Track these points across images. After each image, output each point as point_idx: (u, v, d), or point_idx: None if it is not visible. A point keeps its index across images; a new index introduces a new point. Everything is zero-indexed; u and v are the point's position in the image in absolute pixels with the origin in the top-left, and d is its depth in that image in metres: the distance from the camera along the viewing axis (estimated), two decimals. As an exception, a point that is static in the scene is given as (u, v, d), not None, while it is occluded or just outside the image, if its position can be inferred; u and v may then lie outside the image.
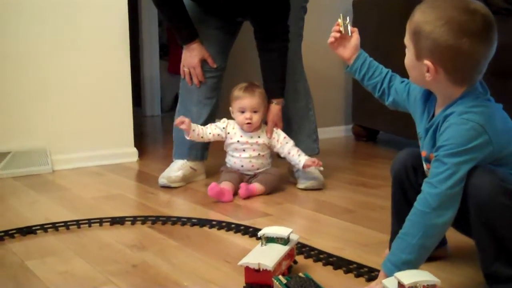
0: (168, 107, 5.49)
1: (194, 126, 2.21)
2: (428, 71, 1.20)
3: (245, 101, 2.17)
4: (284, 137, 2.23)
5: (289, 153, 2.21)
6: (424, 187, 1.19)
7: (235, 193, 2.14)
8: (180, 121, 2.17)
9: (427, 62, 1.19)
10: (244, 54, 2.32)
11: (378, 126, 3.30)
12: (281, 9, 2.22)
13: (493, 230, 1.16)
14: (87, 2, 2.74)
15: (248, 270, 1.26)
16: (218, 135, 2.24)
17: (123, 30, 2.84)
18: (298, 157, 2.18)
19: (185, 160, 2.37)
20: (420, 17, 1.21)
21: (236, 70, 3.29)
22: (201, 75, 2.33)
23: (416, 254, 1.18)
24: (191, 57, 2.31)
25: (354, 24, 3.47)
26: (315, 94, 2.50)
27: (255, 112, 2.18)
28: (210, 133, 2.23)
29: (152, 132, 4.38)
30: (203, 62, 2.32)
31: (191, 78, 2.35)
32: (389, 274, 1.18)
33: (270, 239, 1.35)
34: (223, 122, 2.25)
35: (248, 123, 2.17)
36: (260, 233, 1.36)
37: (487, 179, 1.15)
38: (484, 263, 1.21)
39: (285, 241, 1.34)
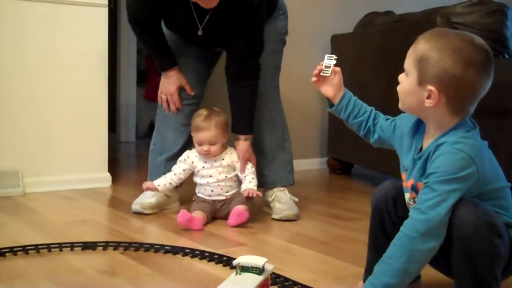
0: (143, 133, 5.47)
1: (158, 181, 2.23)
2: (429, 97, 1.23)
3: (201, 134, 2.17)
4: (248, 168, 2.24)
5: (245, 176, 2.21)
6: (412, 212, 1.20)
7: (207, 223, 2.12)
8: (145, 187, 2.24)
9: (431, 87, 1.22)
10: (222, 82, 2.33)
11: (352, 159, 3.33)
12: (255, 46, 2.22)
13: (475, 267, 1.17)
14: (67, 27, 2.73)
15: None
16: (185, 170, 2.24)
17: (102, 55, 2.84)
18: (247, 183, 2.19)
19: (160, 187, 2.35)
20: (426, 45, 1.25)
21: (213, 98, 3.30)
22: (178, 102, 2.33)
23: (398, 278, 1.19)
24: (169, 84, 2.32)
25: (331, 58, 3.51)
26: (291, 126, 2.51)
27: (212, 144, 2.18)
28: (178, 173, 2.24)
29: (126, 158, 4.35)
30: (180, 89, 2.32)
31: (168, 105, 2.34)
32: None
33: (244, 268, 1.34)
34: (185, 158, 2.25)
35: (206, 154, 2.19)
36: (235, 262, 1.35)
37: (472, 211, 1.17)
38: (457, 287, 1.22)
39: (259, 270, 1.33)
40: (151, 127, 5.38)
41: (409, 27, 2.83)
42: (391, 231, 1.30)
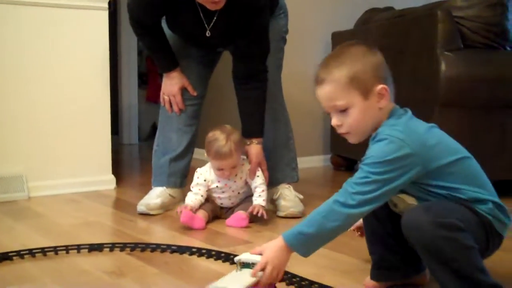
0: (146, 135, 5.49)
1: (191, 207, 2.09)
2: (380, 98, 1.29)
3: (224, 162, 2.10)
4: (258, 176, 2.19)
5: (255, 188, 2.17)
6: (345, 184, 1.26)
7: (208, 221, 2.12)
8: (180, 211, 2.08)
9: (379, 86, 1.29)
10: (224, 82, 2.34)
11: (356, 155, 3.33)
12: (261, 47, 2.21)
13: (448, 265, 1.18)
14: (68, 31, 2.74)
15: None
16: (205, 188, 2.17)
17: (103, 59, 2.84)
18: (257, 197, 2.15)
19: (164, 188, 2.35)
20: (342, 69, 1.29)
21: (215, 97, 3.31)
22: (181, 103, 2.33)
23: (314, 229, 1.25)
24: (171, 85, 2.32)
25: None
26: (294, 123, 2.51)
27: (233, 167, 2.14)
28: (201, 196, 2.15)
29: (129, 160, 4.35)
30: (183, 90, 2.32)
31: (171, 106, 2.35)
32: (283, 236, 1.27)
33: (245, 265, 1.33)
34: (199, 177, 2.17)
35: (226, 176, 2.15)
36: (236, 259, 1.35)
37: (424, 219, 1.18)
38: None
39: None
40: (154, 128, 5.39)
41: (410, 22, 2.83)
42: (385, 221, 1.38)
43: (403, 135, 1.24)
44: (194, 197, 2.13)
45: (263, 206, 2.11)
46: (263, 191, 2.16)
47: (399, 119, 1.30)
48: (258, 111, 2.23)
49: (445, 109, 2.55)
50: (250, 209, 2.10)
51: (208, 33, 2.16)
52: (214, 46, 2.34)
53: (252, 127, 2.23)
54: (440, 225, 1.16)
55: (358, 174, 1.25)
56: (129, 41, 4.93)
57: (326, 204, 1.26)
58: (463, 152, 1.31)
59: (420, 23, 2.74)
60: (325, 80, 1.31)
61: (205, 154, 2.14)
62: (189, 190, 2.18)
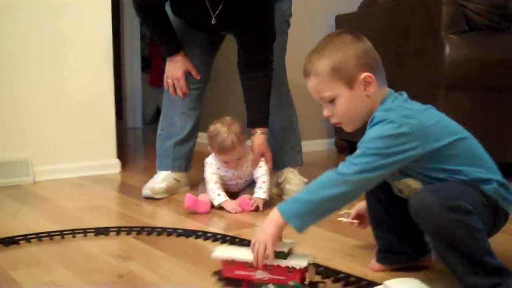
0: (150, 119, 5.49)
1: (220, 199, 2.10)
2: (366, 86, 1.29)
3: (228, 156, 2.10)
4: (260, 167, 2.17)
5: (257, 178, 2.16)
6: (346, 160, 1.25)
7: (214, 205, 2.12)
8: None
9: (363, 75, 1.29)
10: (228, 67, 2.33)
11: (360, 139, 3.33)
12: (266, 35, 2.19)
13: (457, 248, 1.18)
14: (70, 17, 2.73)
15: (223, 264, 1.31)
16: (218, 169, 2.17)
17: (107, 43, 2.84)
18: (257, 189, 2.14)
19: (169, 172, 2.36)
20: (324, 59, 1.31)
21: (219, 81, 3.30)
22: (185, 87, 2.32)
23: (308, 196, 1.25)
24: (175, 69, 2.31)
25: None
26: (298, 107, 2.50)
27: (238, 159, 2.14)
28: (216, 179, 2.15)
29: (133, 144, 4.37)
30: (186, 73, 2.32)
31: (175, 90, 2.34)
32: (277, 206, 1.27)
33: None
34: (211, 167, 2.16)
35: (233, 167, 2.15)
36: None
37: (431, 202, 1.18)
38: (460, 279, 1.22)
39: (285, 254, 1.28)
40: (158, 112, 5.38)
41: (414, 5, 2.81)
42: (389, 205, 1.38)
43: (400, 116, 1.24)
44: (217, 189, 2.12)
45: (262, 199, 2.11)
46: (264, 182, 2.14)
47: (393, 102, 1.31)
48: (263, 101, 2.22)
49: (450, 92, 2.55)
50: (249, 204, 2.09)
51: (213, 21, 2.15)
52: (218, 31, 2.33)
53: (256, 117, 2.21)
54: (448, 208, 1.16)
55: (356, 152, 1.25)
56: (132, 25, 4.92)
57: (324, 174, 1.26)
58: (462, 132, 1.31)
59: (424, 5, 2.72)
60: (310, 73, 1.34)
61: (209, 148, 2.15)
62: (194, 174, 2.19)
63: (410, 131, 1.22)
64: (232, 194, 2.21)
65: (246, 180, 2.21)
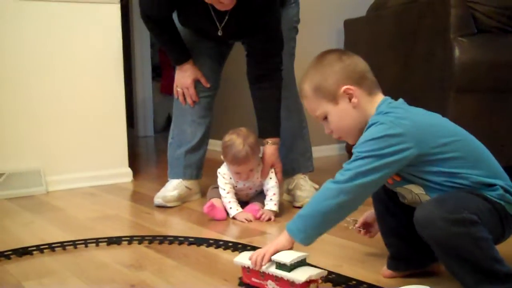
0: (161, 127, 5.50)
1: (235, 210, 2.11)
2: (350, 98, 1.32)
3: (241, 168, 2.10)
4: (271, 178, 2.17)
5: (267, 190, 2.15)
6: (343, 167, 1.27)
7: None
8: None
9: (342, 89, 1.32)
10: (237, 72, 2.34)
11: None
12: (274, 43, 2.19)
13: (465, 260, 1.18)
14: (81, 26, 2.75)
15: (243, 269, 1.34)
16: (231, 180, 2.18)
17: (117, 52, 2.86)
18: (268, 200, 2.13)
19: (180, 180, 2.37)
20: (306, 82, 1.38)
21: (228, 88, 3.31)
22: (195, 95, 2.33)
23: (308, 210, 1.27)
24: (184, 77, 2.32)
25: (345, 43, 3.51)
26: (308, 113, 2.50)
27: (250, 171, 2.13)
28: (229, 189, 2.16)
29: (145, 152, 4.38)
30: (196, 82, 2.33)
31: (184, 99, 2.35)
32: (286, 225, 1.31)
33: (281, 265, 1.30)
34: (225, 177, 2.17)
35: (244, 179, 2.15)
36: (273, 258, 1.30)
37: (436, 216, 1.17)
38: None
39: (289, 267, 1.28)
40: (169, 120, 5.40)
41: (422, 8, 2.81)
42: (395, 210, 1.40)
43: (393, 117, 1.26)
44: (231, 198, 2.14)
45: (273, 211, 2.11)
46: (274, 194, 2.14)
47: (387, 107, 1.31)
48: (274, 111, 2.21)
49: (459, 94, 2.54)
50: (259, 214, 2.08)
51: (220, 33, 2.16)
52: (227, 40, 2.33)
53: (267, 127, 2.21)
54: (453, 222, 1.16)
55: (351, 158, 1.27)
56: (142, 33, 4.94)
57: (323, 185, 1.28)
58: (461, 134, 1.31)
59: (433, 8, 2.72)
60: (301, 96, 1.42)
61: (222, 157, 2.15)
62: (205, 182, 2.19)
63: (402, 131, 1.23)
64: (241, 203, 2.21)
65: (256, 190, 2.21)
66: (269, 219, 2.07)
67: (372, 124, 1.27)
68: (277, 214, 2.12)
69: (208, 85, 2.34)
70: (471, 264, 1.17)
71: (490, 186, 1.25)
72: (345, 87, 1.32)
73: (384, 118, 1.27)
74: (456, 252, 1.17)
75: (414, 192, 1.31)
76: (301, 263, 1.29)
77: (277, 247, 1.30)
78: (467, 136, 1.31)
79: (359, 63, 1.36)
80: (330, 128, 1.38)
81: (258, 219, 2.08)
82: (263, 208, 2.11)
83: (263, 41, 2.17)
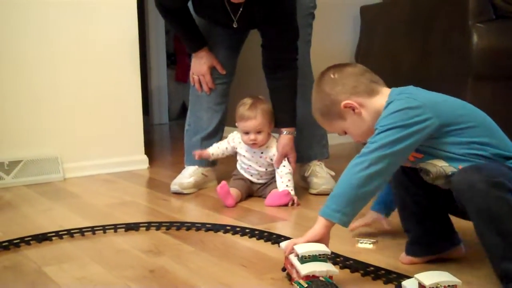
0: (176, 115, 5.52)
1: (211, 150, 2.26)
2: (353, 109, 1.36)
3: (248, 123, 2.13)
4: (284, 166, 2.16)
5: (281, 177, 2.14)
6: (366, 144, 1.29)
7: (240, 200, 2.15)
8: (198, 155, 2.26)
9: (344, 104, 1.36)
10: (253, 59, 2.33)
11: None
12: (290, 33, 2.17)
13: (498, 227, 1.17)
14: (98, 13, 2.76)
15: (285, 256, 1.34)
16: (230, 144, 2.25)
17: (133, 40, 2.86)
18: (283, 186, 2.13)
19: (197, 166, 2.37)
20: (313, 111, 1.45)
21: (244, 75, 3.31)
22: (211, 82, 2.33)
23: (341, 188, 1.28)
24: (200, 64, 2.32)
25: (361, 29, 3.49)
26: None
27: (259, 132, 2.15)
28: (225, 148, 2.26)
29: (160, 140, 4.39)
30: (212, 69, 2.32)
31: (200, 86, 2.35)
32: (319, 212, 1.31)
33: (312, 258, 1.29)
34: (230, 138, 2.26)
35: (253, 144, 2.16)
36: (299, 253, 1.28)
37: (476, 179, 1.17)
38: (493, 263, 1.21)
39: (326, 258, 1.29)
40: (183, 108, 5.42)
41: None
42: (417, 195, 1.40)
43: (408, 94, 1.30)
44: (221, 146, 2.27)
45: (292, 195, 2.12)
46: (289, 180, 2.14)
47: (398, 91, 1.35)
48: (289, 101, 2.21)
49: (478, 81, 2.52)
50: (295, 201, 2.09)
51: (235, 24, 2.16)
52: (242, 29, 2.33)
53: (283, 117, 2.20)
54: (492, 184, 1.15)
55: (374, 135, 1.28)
56: (157, 21, 4.94)
57: (348, 163, 1.29)
58: (472, 107, 1.33)
59: (450, -7, 2.70)
60: (316, 120, 1.48)
61: (236, 124, 2.19)
62: (221, 169, 2.21)
63: (421, 104, 1.26)
64: (259, 188, 2.22)
65: (266, 169, 2.21)
66: (298, 204, 2.09)
67: (390, 103, 1.30)
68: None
69: (224, 72, 2.34)
70: (504, 234, 1.17)
71: (508, 159, 1.26)
72: (343, 103, 1.36)
73: (399, 96, 1.31)
74: (493, 218, 1.16)
75: (438, 165, 1.30)
76: (316, 258, 1.27)
77: (311, 235, 1.31)
78: (477, 110, 1.33)
79: (349, 74, 1.39)
80: (353, 138, 1.44)
81: (285, 204, 2.08)
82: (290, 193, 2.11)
83: (278, 31, 2.15)
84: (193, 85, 2.39)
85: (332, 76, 1.40)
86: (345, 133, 1.43)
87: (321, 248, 1.28)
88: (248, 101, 2.17)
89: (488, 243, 1.20)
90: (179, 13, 2.23)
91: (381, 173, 1.25)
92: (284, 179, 2.14)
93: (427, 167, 1.32)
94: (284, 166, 2.16)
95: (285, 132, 2.18)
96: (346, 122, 1.39)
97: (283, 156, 2.17)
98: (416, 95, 1.29)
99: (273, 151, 2.18)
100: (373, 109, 1.36)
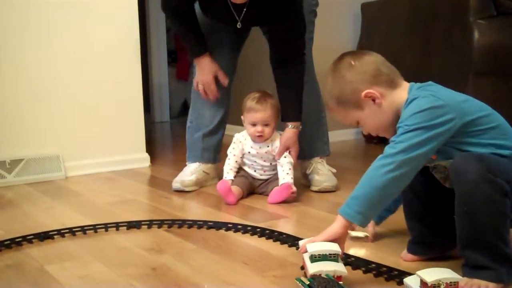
0: (177, 113, 5.52)
1: (228, 177, 2.19)
2: (373, 100, 1.33)
3: (257, 115, 2.15)
4: (285, 157, 2.17)
5: (282, 166, 2.16)
6: (390, 142, 1.27)
7: (242, 197, 2.15)
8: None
9: (363, 94, 1.33)
10: (255, 55, 2.33)
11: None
12: (297, 26, 2.17)
13: (473, 219, 1.18)
14: (99, 12, 2.76)
15: None
16: (240, 149, 2.24)
17: (134, 38, 2.86)
18: (285, 175, 2.13)
19: (198, 163, 2.37)
20: (328, 98, 1.41)
21: (247, 71, 3.31)
22: (216, 91, 2.30)
23: (365, 190, 1.26)
24: (204, 74, 2.29)
25: (362, 27, 3.49)
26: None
27: (266, 125, 2.16)
28: (236, 156, 2.23)
29: (162, 138, 4.40)
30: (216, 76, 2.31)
31: (206, 93, 2.33)
32: (339, 210, 1.30)
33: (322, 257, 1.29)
34: (235, 142, 2.25)
35: (259, 136, 2.17)
36: (309, 252, 1.29)
37: (474, 167, 1.17)
38: (460, 244, 1.24)
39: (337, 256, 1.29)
40: (185, 106, 5.43)
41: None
42: (424, 197, 1.39)
43: (431, 92, 1.28)
44: (231, 164, 2.22)
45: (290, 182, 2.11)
46: (290, 169, 2.14)
47: (420, 86, 1.33)
48: (297, 95, 2.21)
49: (479, 78, 2.52)
50: (292, 191, 2.09)
51: (239, 25, 2.15)
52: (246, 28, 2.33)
53: (289, 111, 2.20)
54: (485, 180, 1.16)
55: (397, 132, 1.26)
56: (158, 19, 4.94)
57: (372, 164, 1.27)
58: (490, 108, 1.32)
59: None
60: (328, 109, 1.45)
61: (242, 117, 2.20)
62: (223, 167, 2.21)
63: (445, 103, 1.24)
64: (261, 184, 2.22)
65: (271, 164, 2.21)
66: (293, 192, 2.09)
67: (414, 99, 1.27)
68: (295, 199, 2.12)
69: (227, 81, 2.31)
70: (479, 228, 1.18)
71: None
72: (364, 92, 1.33)
73: (423, 93, 1.28)
74: (473, 210, 1.18)
75: None
76: (326, 257, 1.27)
77: (329, 234, 1.30)
78: (494, 111, 1.32)
79: (370, 62, 1.36)
80: (366, 130, 1.41)
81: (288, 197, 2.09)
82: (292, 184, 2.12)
83: (286, 28, 2.14)
84: (197, 91, 2.37)
85: (352, 62, 1.36)
86: (357, 123, 1.40)
87: (332, 247, 1.27)
88: (256, 94, 2.19)
89: (461, 227, 1.22)
90: (184, 15, 2.22)
91: (407, 175, 1.24)
92: (285, 168, 2.15)
93: (443, 163, 1.32)
94: (285, 157, 2.17)
95: (290, 126, 2.18)
96: (362, 113, 1.36)
97: (285, 149, 2.18)
98: (439, 94, 1.27)
99: (276, 144, 2.19)
100: (393, 102, 1.34)
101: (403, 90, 1.34)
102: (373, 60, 1.37)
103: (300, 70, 2.20)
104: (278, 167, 2.17)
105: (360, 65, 1.35)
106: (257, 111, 2.15)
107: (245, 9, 2.10)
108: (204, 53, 2.27)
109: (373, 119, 1.36)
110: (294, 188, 2.10)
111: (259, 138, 2.18)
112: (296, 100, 2.20)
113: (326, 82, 1.42)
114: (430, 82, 1.35)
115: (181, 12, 2.21)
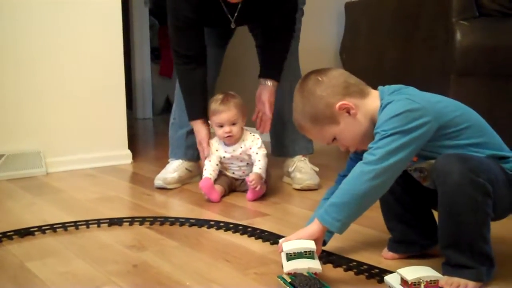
0: (160, 110, 5.50)
1: (209, 168, 2.17)
2: (347, 111, 1.32)
3: (222, 115, 2.13)
4: (259, 147, 2.16)
5: (255, 159, 2.15)
6: (368, 149, 1.25)
7: (224, 195, 2.15)
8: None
9: (337, 106, 1.31)
10: (240, 58, 2.32)
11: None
12: (288, 28, 2.22)
13: (456, 220, 1.20)
14: (82, 8, 2.74)
15: None
16: (217, 157, 2.20)
17: (117, 34, 2.85)
18: (256, 168, 2.12)
19: (181, 161, 2.37)
20: (300, 116, 1.39)
21: (231, 73, 3.31)
22: (207, 153, 2.21)
23: (344, 198, 1.25)
24: (198, 139, 2.23)
25: (346, 26, 3.49)
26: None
27: (233, 124, 2.14)
28: (216, 165, 2.19)
29: (144, 134, 4.38)
30: (206, 49, 2.24)
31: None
32: (316, 215, 1.30)
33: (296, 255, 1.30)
34: (213, 150, 2.21)
35: (228, 136, 2.15)
36: (285, 251, 1.29)
37: (457, 168, 1.18)
38: (441, 243, 1.25)
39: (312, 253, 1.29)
40: (167, 103, 5.41)
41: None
42: (401, 197, 1.41)
43: (406, 95, 1.27)
44: (210, 168, 2.16)
45: (257, 174, 2.09)
46: (259, 161, 2.13)
47: (391, 90, 1.33)
48: (280, 57, 2.21)
49: (461, 78, 2.53)
50: (251, 177, 2.07)
51: (232, 25, 2.16)
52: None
53: (270, 69, 2.21)
54: (469, 181, 1.16)
55: (375, 139, 1.25)
56: (141, 15, 4.91)
57: (352, 170, 1.26)
58: (463, 107, 1.32)
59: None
60: (301, 129, 1.42)
61: (209, 121, 2.18)
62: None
63: (420, 106, 1.23)
64: (242, 183, 2.22)
65: (247, 164, 2.20)
66: (255, 187, 2.06)
67: (388, 104, 1.27)
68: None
69: (209, 148, 2.21)
70: (460, 228, 1.19)
71: (502, 158, 1.27)
72: (338, 104, 1.31)
73: (398, 96, 1.27)
74: (455, 211, 1.19)
75: (432, 163, 1.29)
76: (302, 255, 1.27)
77: (305, 236, 1.30)
78: (468, 109, 1.33)
79: (337, 76, 1.36)
80: (344, 145, 1.38)
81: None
82: (264, 184, 2.12)
83: (278, 24, 2.18)
84: (179, 80, 2.36)
85: (320, 78, 1.35)
86: (333, 140, 1.37)
87: (307, 245, 1.28)
88: (219, 96, 2.16)
89: (443, 226, 1.23)
90: (193, 75, 2.19)
91: (387, 182, 1.24)
92: (256, 159, 2.14)
93: (423, 165, 1.33)
94: (257, 154, 2.15)
95: (269, 83, 2.18)
96: (338, 127, 1.34)
97: (271, 104, 2.20)
98: (414, 97, 1.26)
99: (249, 143, 2.17)
100: (367, 111, 1.33)
101: (374, 97, 1.34)
102: (340, 73, 1.37)
103: (287, 36, 2.22)
104: (252, 159, 2.17)
105: (328, 79, 1.34)
106: (222, 112, 2.13)
107: (239, 8, 2.10)
108: (198, 119, 2.21)
109: (350, 131, 1.34)
110: (263, 176, 2.10)
111: (228, 139, 2.16)
112: (279, 62, 2.21)
113: (294, 104, 1.40)
114: (402, 86, 1.34)
115: (195, 55, 2.16)
